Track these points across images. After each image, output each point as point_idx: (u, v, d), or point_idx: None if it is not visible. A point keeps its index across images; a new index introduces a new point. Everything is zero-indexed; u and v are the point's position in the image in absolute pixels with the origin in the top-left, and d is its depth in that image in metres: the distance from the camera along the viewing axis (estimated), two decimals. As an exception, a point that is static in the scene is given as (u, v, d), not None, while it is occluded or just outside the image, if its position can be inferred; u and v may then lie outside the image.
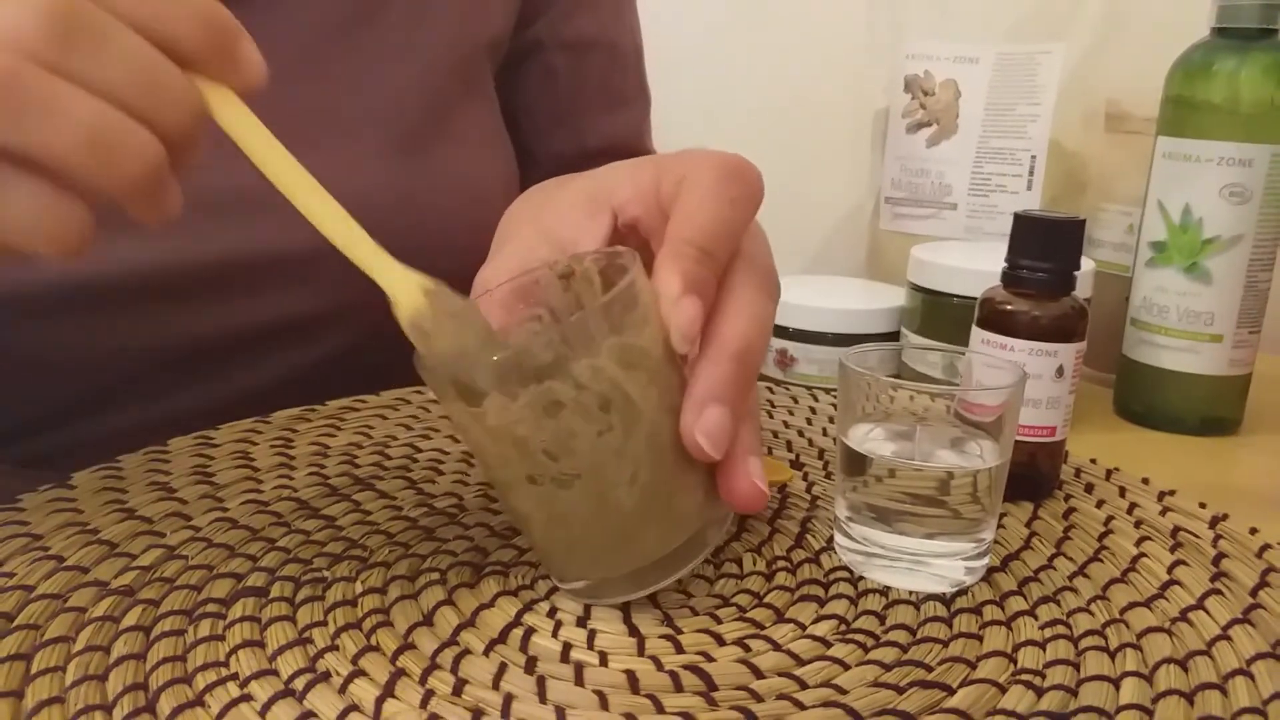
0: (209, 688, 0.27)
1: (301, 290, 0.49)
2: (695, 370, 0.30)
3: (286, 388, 0.51)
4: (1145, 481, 0.44)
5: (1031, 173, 0.70)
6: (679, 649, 0.30)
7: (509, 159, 0.61)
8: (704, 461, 0.30)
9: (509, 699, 0.27)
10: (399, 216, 0.43)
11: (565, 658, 0.30)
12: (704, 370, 0.30)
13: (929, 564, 0.34)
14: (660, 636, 0.31)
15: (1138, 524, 0.40)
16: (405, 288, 0.30)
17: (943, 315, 0.58)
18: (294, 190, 0.29)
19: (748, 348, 0.30)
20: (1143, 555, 0.37)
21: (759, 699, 0.28)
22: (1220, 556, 0.37)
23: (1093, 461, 0.47)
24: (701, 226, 0.30)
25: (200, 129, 0.28)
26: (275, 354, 0.51)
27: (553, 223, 0.35)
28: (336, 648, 0.30)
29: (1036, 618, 0.33)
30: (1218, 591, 0.35)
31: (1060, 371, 0.42)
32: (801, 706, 0.27)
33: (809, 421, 0.52)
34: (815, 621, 0.32)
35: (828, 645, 0.31)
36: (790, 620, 0.32)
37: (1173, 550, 0.38)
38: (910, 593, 0.34)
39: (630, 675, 0.29)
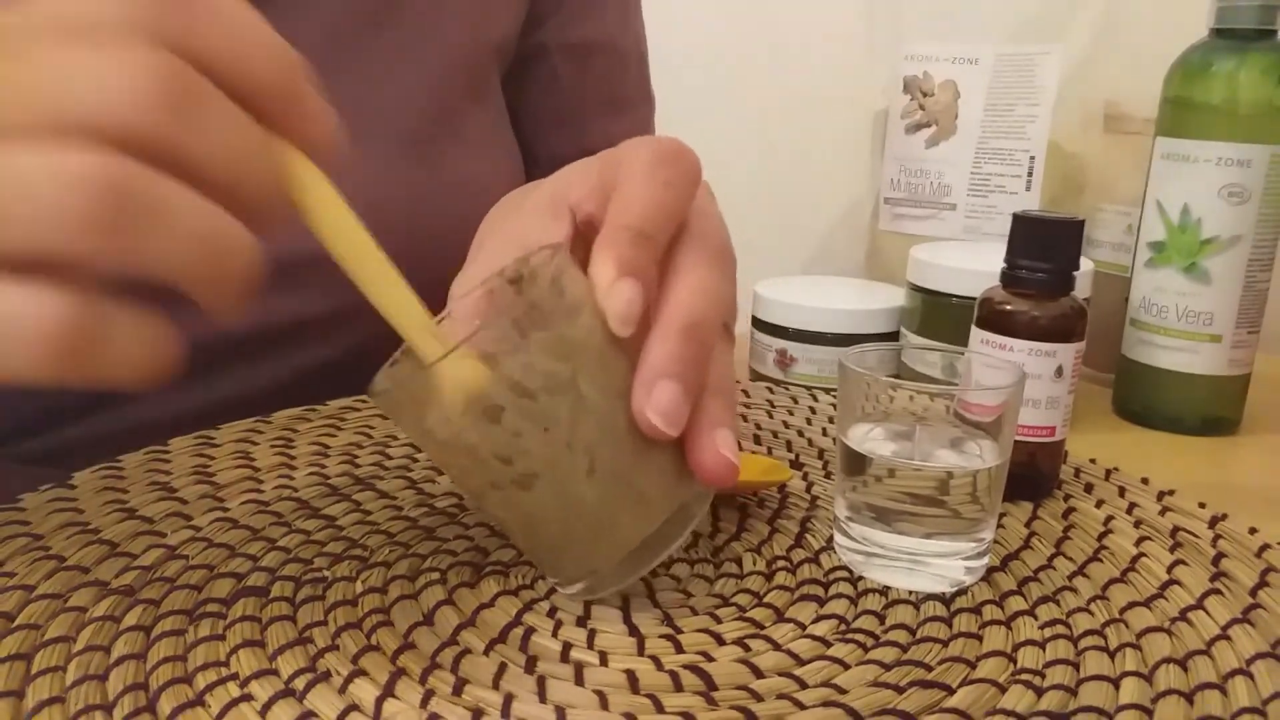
0: (209, 687, 0.28)
1: (306, 293, 0.49)
2: (644, 349, 0.29)
3: (290, 390, 0.51)
4: (1145, 481, 0.44)
5: (1030, 173, 0.70)
6: (679, 649, 0.30)
7: (515, 161, 0.61)
8: (664, 440, 0.29)
9: (509, 699, 0.27)
10: (408, 220, 0.43)
11: (565, 657, 0.30)
12: (651, 347, 0.29)
13: (929, 564, 0.34)
14: (660, 636, 0.31)
15: (1137, 524, 0.40)
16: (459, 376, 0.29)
17: (942, 315, 0.58)
18: (363, 276, 0.28)
19: (694, 321, 0.30)
20: (1142, 555, 0.37)
21: (759, 699, 0.28)
22: (1220, 556, 0.37)
23: (1092, 461, 0.47)
24: (635, 210, 0.30)
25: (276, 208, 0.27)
26: (279, 356, 0.51)
27: (520, 228, 0.35)
28: (337, 647, 0.30)
29: (1036, 617, 0.33)
30: (1217, 591, 0.35)
31: (1059, 371, 0.42)
32: (801, 706, 0.27)
33: (809, 421, 0.52)
34: (815, 621, 0.32)
35: (828, 645, 0.31)
36: (790, 620, 0.32)
37: (1172, 550, 0.38)
38: (910, 592, 0.34)
39: (630, 675, 0.29)
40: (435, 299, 0.41)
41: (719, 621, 0.32)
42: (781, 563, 0.36)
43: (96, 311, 0.23)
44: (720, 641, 0.31)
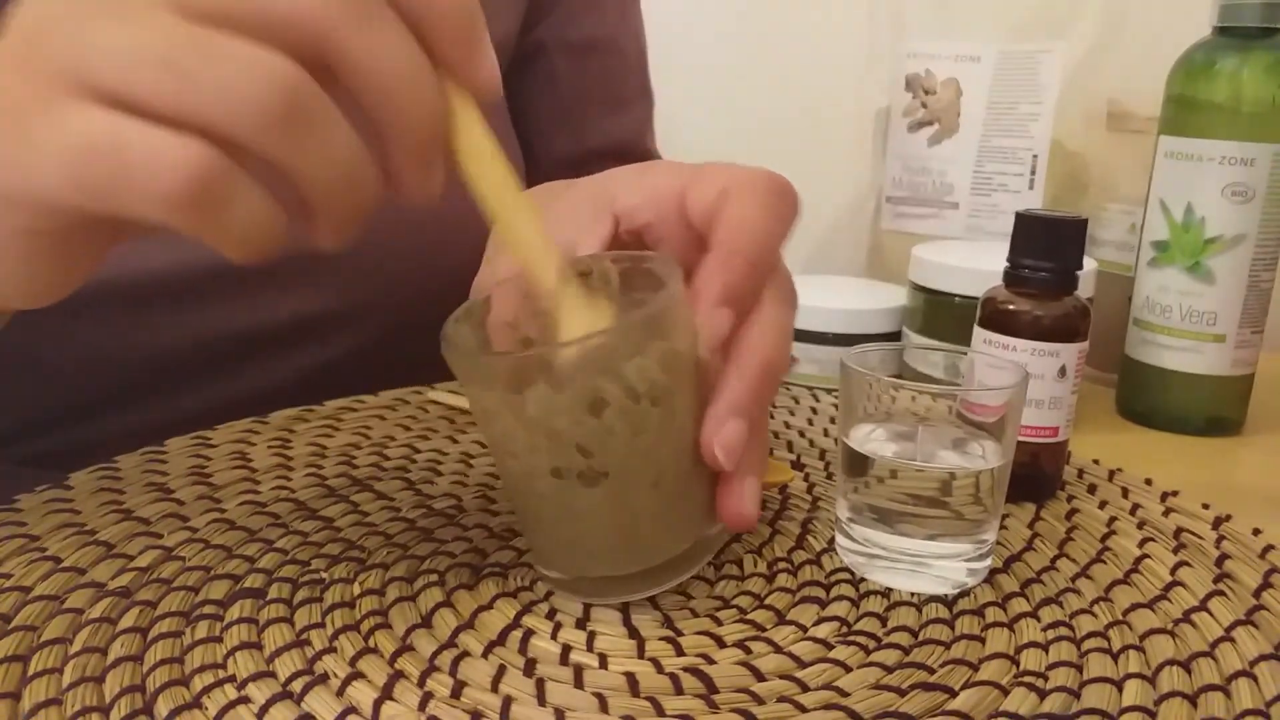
0: (206, 690, 0.27)
1: (311, 291, 0.49)
2: (723, 381, 0.30)
3: (295, 390, 0.51)
4: (1148, 482, 0.44)
5: (1033, 172, 0.70)
6: (679, 651, 0.30)
7: (515, 158, 0.61)
8: (717, 470, 0.30)
9: (508, 701, 0.27)
10: (401, 215, 0.43)
11: (565, 660, 0.30)
12: (731, 382, 0.30)
13: (931, 565, 0.34)
14: (660, 639, 0.31)
15: (1141, 525, 0.40)
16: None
17: (944, 315, 0.58)
18: (511, 236, 0.30)
19: (774, 363, 0.30)
20: (1146, 556, 0.37)
21: (760, 701, 0.28)
22: (1223, 558, 0.37)
23: (1095, 462, 0.47)
24: (751, 240, 0.31)
25: (436, 139, 0.27)
26: (284, 356, 0.50)
27: (553, 224, 0.35)
28: (334, 649, 0.29)
29: (1039, 619, 0.33)
30: (1221, 593, 0.35)
31: (1063, 371, 0.41)
32: (803, 709, 0.27)
33: (810, 422, 0.51)
34: (816, 623, 0.32)
35: (829, 647, 0.31)
36: (791, 622, 0.32)
37: (1176, 551, 0.38)
38: (912, 594, 0.34)
39: (630, 677, 0.28)
40: (436, 289, 0.41)
41: (719, 624, 0.32)
42: (783, 564, 0.36)
43: (230, 171, 0.24)
44: (721, 644, 0.31)
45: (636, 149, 0.69)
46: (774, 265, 0.32)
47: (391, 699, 0.27)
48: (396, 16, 0.25)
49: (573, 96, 0.65)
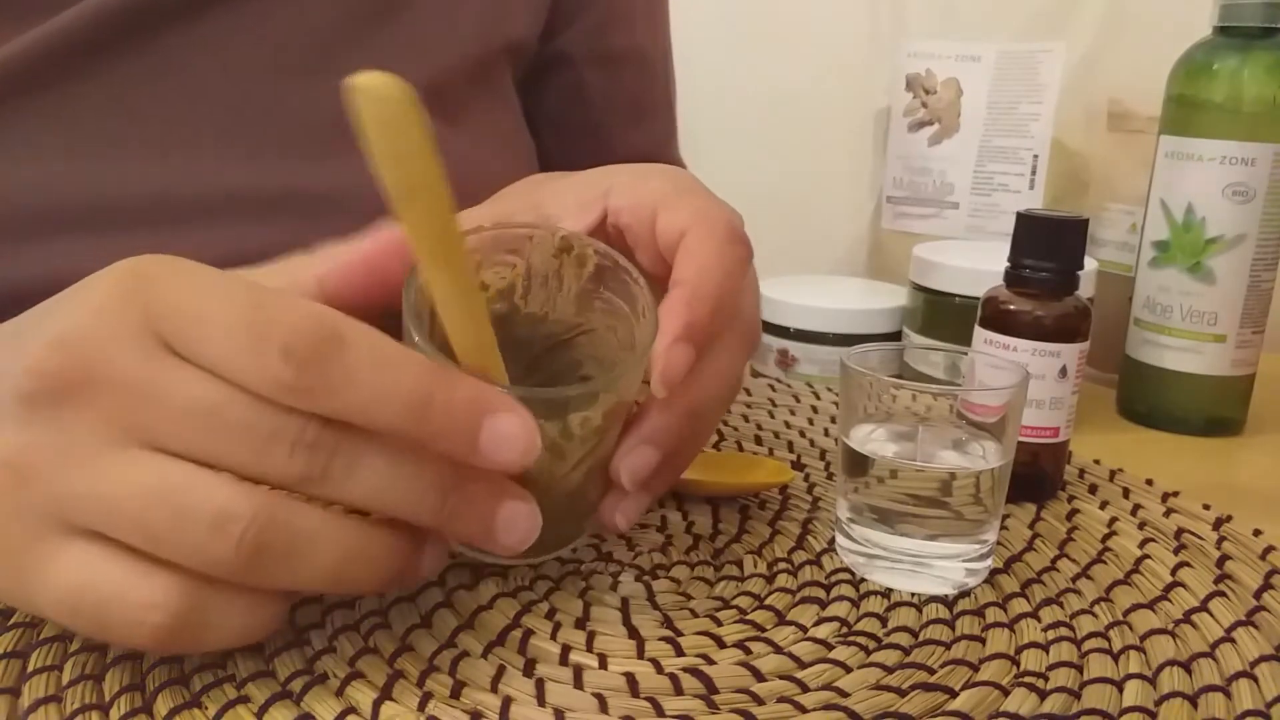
0: (206, 689, 0.27)
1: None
2: (650, 409, 0.31)
3: None
4: (1149, 482, 0.44)
5: (1034, 172, 0.70)
6: (679, 651, 0.30)
7: (530, 160, 0.61)
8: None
9: (507, 701, 0.27)
10: None
11: (564, 660, 0.30)
12: (655, 415, 0.31)
13: (931, 566, 0.34)
14: (660, 639, 0.31)
15: (1141, 525, 0.40)
16: None
17: (945, 315, 0.58)
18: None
19: (704, 407, 0.32)
20: (1146, 557, 0.37)
21: (760, 702, 0.28)
22: (1224, 558, 0.37)
23: (1096, 462, 0.46)
24: (715, 284, 0.31)
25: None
26: None
27: (544, 199, 0.36)
28: (334, 649, 0.29)
29: (1039, 620, 0.33)
30: (1221, 593, 0.35)
31: (1063, 372, 0.41)
32: (803, 709, 0.27)
33: (810, 422, 0.51)
34: (816, 624, 0.32)
35: (829, 648, 0.31)
36: (791, 622, 0.32)
37: (1176, 552, 0.38)
38: (912, 595, 0.34)
39: (630, 678, 0.28)
40: None
41: (719, 624, 0.32)
42: (783, 565, 0.36)
43: (202, 604, 0.25)
44: (721, 644, 0.31)
45: (661, 160, 0.68)
46: (735, 308, 0.33)
47: (391, 699, 0.27)
48: (359, 447, 0.25)
49: (601, 109, 0.64)
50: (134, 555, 0.24)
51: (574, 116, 0.64)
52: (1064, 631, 0.32)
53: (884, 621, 0.32)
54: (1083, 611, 0.33)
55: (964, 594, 0.34)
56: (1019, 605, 0.33)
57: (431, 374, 0.25)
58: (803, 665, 0.30)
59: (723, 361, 0.33)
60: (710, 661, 0.30)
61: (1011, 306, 0.42)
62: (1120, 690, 0.29)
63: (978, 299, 0.44)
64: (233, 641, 0.26)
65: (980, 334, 0.43)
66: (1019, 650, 0.31)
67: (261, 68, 0.47)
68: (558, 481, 0.31)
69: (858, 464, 0.35)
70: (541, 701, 0.27)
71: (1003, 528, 0.39)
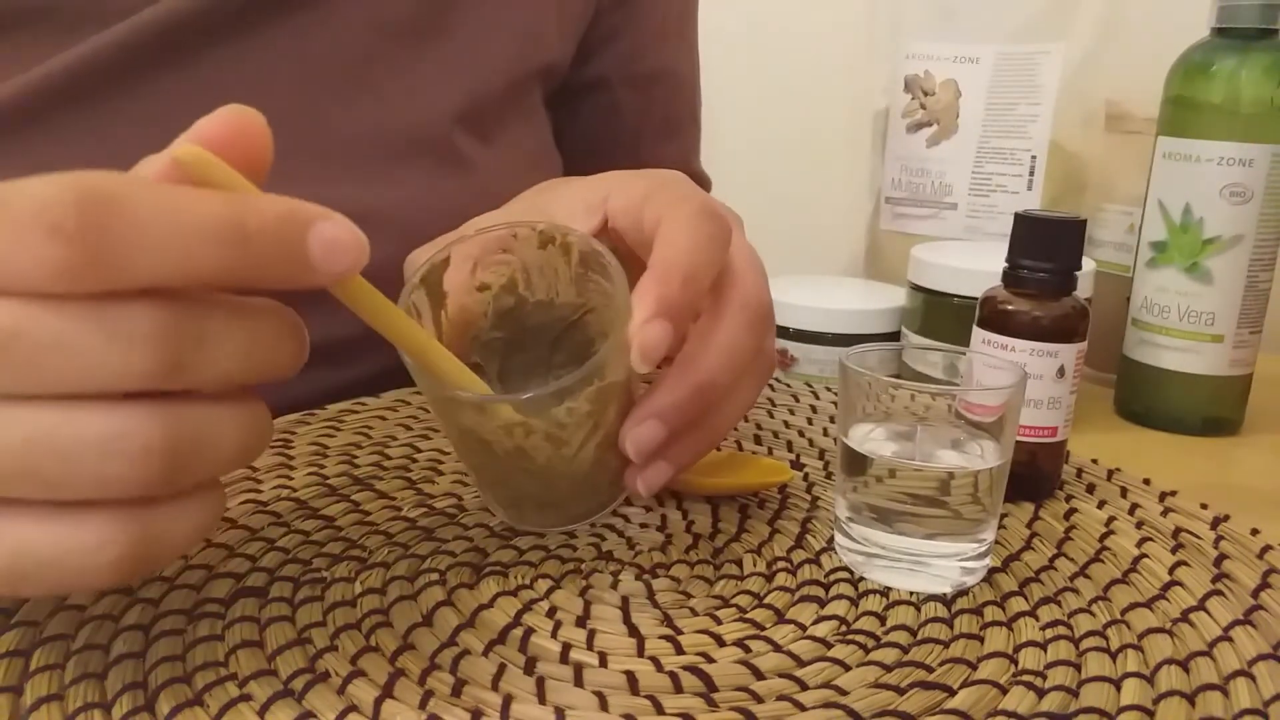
0: (208, 687, 0.27)
1: (338, 313, 0.50)
2: (656, 385, 0.32)
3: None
4: (1146, 482, 0.44)
5: (1032, 172, 0.70)
6: (679, 650, 0.30)
7: (557, 176, 0.61)
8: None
9: (508, 700, 0.27)
10: (448, 230, 0.43)
11: (565, 658, 0.30)
12: (661, 390, 0.32)
13: (930, 565, 0.34)
14: (660, 637, 0.31)
15: (1139, 524, 0.40)
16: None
17: (943, 315, 0.58)
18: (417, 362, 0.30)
19: (710, 383, 0.32)
20: (1144, 556, 0.37)
21: (759, 700, 0.28)
22: (1222, 558, 0.37)
23: (1094, 462, 0.47)
24: (683, 258, 0.32)
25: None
26: (307, 375, 0.51)
27: (550, 205, 0.37)
28: (335, 648, 0.30)
29: (1038, 618, 0.33)
30: (1219, 592, 0.35)
31: (1061, 372, 0.42)
32: (802, 708, 0.27)
33: (809, 421, 0.51)
34: (816, 622, 0.32)
35: (828, 646, 0.31)
36: (791, 621, 0.32)
37: (1174, 551, 0.38)
38: (911, 593, 0.34)
39: (630, 676, 0.29)
40: None
41: (719, 622, 0.32)
42: (782, 564, 0.36)
43: (141, 528, 0.24)
44: (720, 643, 0.31)
45: (687, 172, 0.69)
46: (708, 284, 0.33)
47: (392, 697, 0.27)
48: (210, 331, 0.24)
49: (634, 127, 0.65)
50: (52, 507, 0.23)
51: (607, 135, 0.65)
52: (1062, 630, 0.32)
53: (883, 620, 0.32)
54: (1081, 610, 0.33)
55: (962, 593, 0.34)
56: (1017, 604, 0.34)
57: (232, 202, 0.23)
58: (802, 663, 0.30)
59: (727, 335, 0.33)
60: (710, 660, 0.30)
61: (1009, 307, 0.42)
62: (1118, 689, 0.29)
63: (976, 299, 0.44)
64: (192, 543, 0.25)
65: (978, 334, 0.43)
66: (1017, 649, 0.31)
67: (299, 88, 0.47)
68: (569, 464, 0.32)
69: (856, 463, 0.35)
70: (542, 700, 0.28)
71: (1001, 527, 0.39)
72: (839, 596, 0.34)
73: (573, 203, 0.37)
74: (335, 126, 0.48)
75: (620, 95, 0.64)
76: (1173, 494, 0.43)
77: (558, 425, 0.31)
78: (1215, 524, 0.40)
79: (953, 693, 0.28)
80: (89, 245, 0.21)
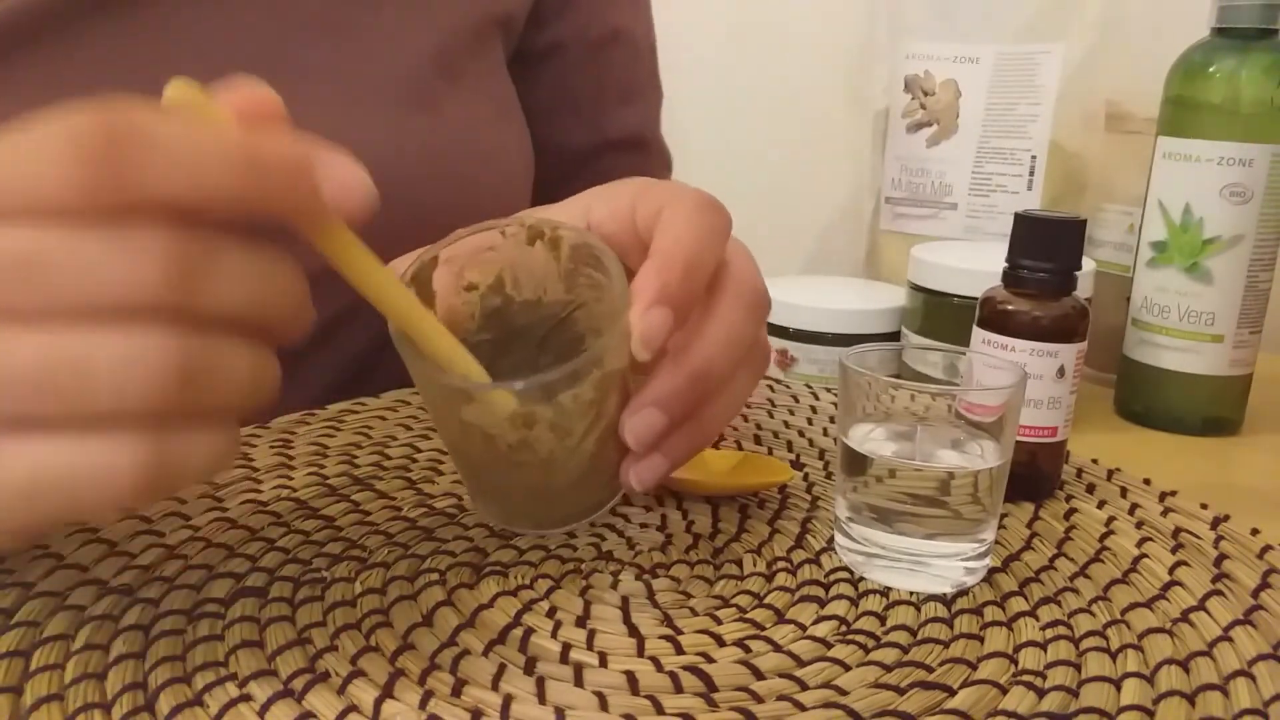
0: (208, 687, 0.27)
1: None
2: (655, 374, 0.32)
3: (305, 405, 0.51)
4: (1146, 482, 0.44)
5: (1032, 173, 0.70)
6: (679, 650, 0.30)
7: (524, 133, 0.61)
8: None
9: (508, 700, 0.27)
10: (417, 171, 0.42)
11: (565, 658, 0.30)
12: (660, 378, 0.32)
13: (930, 564, 0.34)
14: (660, 637, 0.31)
15: (1139, 524, 0.40)
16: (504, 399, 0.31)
17: (943, 315, 0.58)
18: (406, 328, 0.30)
19: (708, 370, 0.32)
20: (1144, 556, 0.37)
21: (759, 700, 0.28)
22: (1222, 558, 0.37)
23: (1094, 462, 0.47)
24: (686, 247, 0.32)
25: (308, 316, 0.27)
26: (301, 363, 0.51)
27: None
28: (335, 648, 0.30)
29: (1038, 618, 0.33)
30: (1219, 592, 0.35)
31: (1061, 372, 0.42)
32: (802, 708, 0.27)
33: (809, 421, 0.51)
34: (816, 622, 0.32)
35: (828, 646, 0.31)
36: (791, 621, 0.32)
37: (1174, 551, 0.38)
38: (911, 593, 0.34)
39: (630, 676, 0.29)
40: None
41: (719, 622, 0.32)
42: (782, 564, 0.36)
43: (159, 445, 0.24)
44: (720, 643, 0.31)
45: (650, 140, 0.69)
46: (709, 274, 0.33)
47: (392, 697, 0.27)
48: (218, 245, 0.24)
49: (589, 88, 0.65)
50: (72, 428, 0.23)
51: (568, 100, 0.65)
52: (1062, 630, 0.32)
53: (883, 620, 0.32)
54: (1081, 610, 0.33)
55: (962, 593, 0.34)
56: (1017, 604, 0.34)
57: (246, 132, 0.24)
58: (802, 663, 0.30)
59: (723, 323, 0.33)
60: (710, 660, 0.30)
61: (1009, 307, 0.42)
62: (1118, 689, 0.29)
63: (976, 299, 0.44)
64: (206, 473, 0.25)
65: (978, 334, 0.43)
66: (1017, 649, 0.31)
67: (271, 27, 0.47)
68: (571, 454, 0.31)
69: (856, 463, 0.35)
70: (542, 700, 0.28)
71: (1001, 527, 0.39)
72: (839, 596, 0.34)
73: (610, 209, 0.36)
74: (302, 65, 0.48)
75: (578, 58, 0.64)
76: (1173, 494, 0.43)
77: (563, 414, 0.30)
78: (1215, 524, 0.40)
79: (953, 693, 0.28)
80: (111, 164, 0.22)
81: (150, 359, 0.23)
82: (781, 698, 0.28)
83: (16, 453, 0.23)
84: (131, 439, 0.24)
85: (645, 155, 0.68)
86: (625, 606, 0.33)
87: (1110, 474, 0.45)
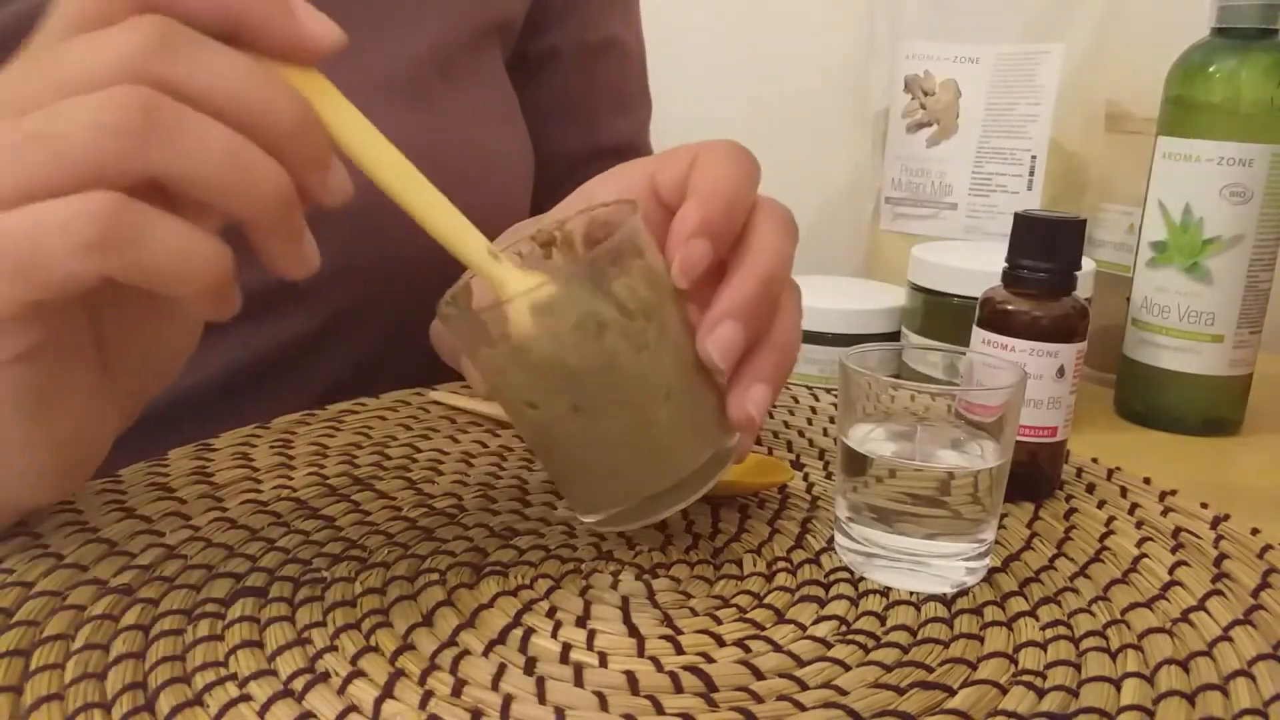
0: (208, 687, 0.27)
1: (303, 313, 0.50)
2: (719, 293, 0.32)
3: (271, 364, 0.51)
4: (1146, 482, 0.44)
5: (1032, 172, 0.70)
6: (679, 650, 0.30)
7: (525, 136, 0.61)
8: (720, 374, 0.32)
9: (508, 700, 0.27)
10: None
11: (565, 658, 0.30)
12: (726, 291, 0.32)
13: (930, 564, 0.34)
14: (660, 637, 0.31)
15: (1139, 524, 0.40)
16: (520, 280, 0.31)
17: (943, 315, 0.58)
18: (398, 186, 0.30)
19: (770, 275, 0.33)
20: (1144, 556, 0.37)
21: (759, 700, 0.28)
22: (1222, 557, 0.37)
23: (1094, 461, 0.47)
24: (726, 184, 0.33)
25: (315, 139, 0.28)
26: (231, 331, 0.50)
27: (593, 194, 0.37)
28: (336, 648, 0.30)
29: (1037, 618, 0.33)
30: (1219, 592, 0.35)
31: (1061, 372, 0.42)
32: (802, 708, 0.27)
33: (809, 421, 0.51)
34: (816, 622, 0.32)
35: (828, 646, 0.31)
36: (791, 621, 0.32)
37: (1174, 551, 0.38)
38: (911, 593, 0.34)
39: (630, 676, 0.29)
40: (437, 288, 0.42)
41: (719, 622, 0.32)
42: (782, 564, 0.36)
43: (135, 204, 0.25)
44: (720, 643, 0.31)
45: (641, 149, 0.70)
46: (747, 209, 0.34)
47: (392, 697, 0.27)
48: (205, 39, 0.26)
49: (584, 95, 0.66)
50: (51, 192, 0.25)
51: (561, 106, 0.66)
52: (1062, 630, 0.32)
53: (883, 620, 0.32)
54: (1081, 610, 0.33)
55: (962, 593, 0.34)
56: (1017, 604, 0.34)
57: None
58: (802, 663, 0.30)
59: (767, 238, 0.34)
60: (710, 660, 0.30)
61: (1009, 307, 0.42)
62: (1118, 689, 0.29)
63: (976, 299, 0.44)
64: (185, 262, 0.26)
65: (978, 334, 0.43)
66: (1017, 649, 0.31)
67: None
68: (655, 368, 0.31)
69: (856, 463, 0.35)
70: (542, 700, 0.28)
71: (1001, 527, 0.39)
72: (839, 597, 0.34)
73: (619, 189, 0.37)
74: None
75: (573, 65, 0.65)
76: (1173, 494, 0.43)
77: (625, 312, 0.30)
78: (1215, 524, 0.40)
79: (953, 693, 0.28)
80: None
81: (119, 101, 0.24)
82: (781, 698, 0.28)
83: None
84: (97, 193, 0.25)
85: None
86: (625, 606, 0.33)
87: (1110, 474, 0.45)
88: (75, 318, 0.29)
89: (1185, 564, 0.37)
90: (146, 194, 0.25)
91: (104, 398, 0.32)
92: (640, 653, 0.30)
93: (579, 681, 0.28)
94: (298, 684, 0.28)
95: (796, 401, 0.55)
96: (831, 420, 0.52)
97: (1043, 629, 0.32)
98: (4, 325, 0.27)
